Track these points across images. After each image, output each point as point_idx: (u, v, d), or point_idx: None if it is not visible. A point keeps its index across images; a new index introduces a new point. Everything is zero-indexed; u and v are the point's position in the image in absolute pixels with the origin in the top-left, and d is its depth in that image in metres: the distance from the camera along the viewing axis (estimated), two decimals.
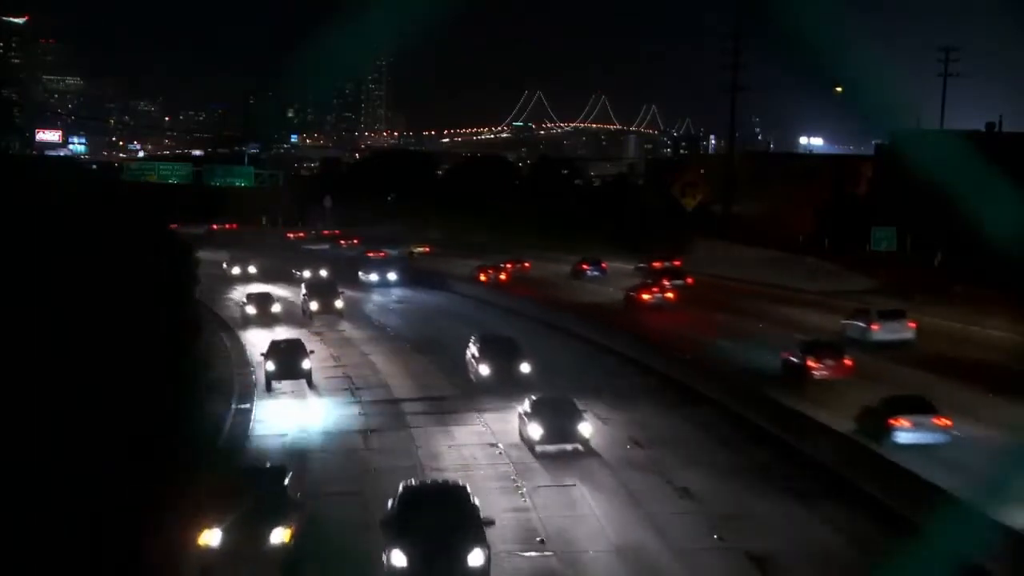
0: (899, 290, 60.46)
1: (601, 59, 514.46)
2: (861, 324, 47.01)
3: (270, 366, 41.14)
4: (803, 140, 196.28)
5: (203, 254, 68.07)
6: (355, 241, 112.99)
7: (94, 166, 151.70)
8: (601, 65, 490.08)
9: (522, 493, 27.46)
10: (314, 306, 58.46)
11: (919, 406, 30.98)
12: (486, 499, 25.06)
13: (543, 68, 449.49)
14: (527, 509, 26.25)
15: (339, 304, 58.68)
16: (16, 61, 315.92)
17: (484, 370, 39.45)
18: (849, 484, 27.08)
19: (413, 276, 77.03)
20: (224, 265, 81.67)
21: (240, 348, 50.72)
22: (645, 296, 60.58)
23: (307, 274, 73.69)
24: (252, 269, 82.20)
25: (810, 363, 39.12)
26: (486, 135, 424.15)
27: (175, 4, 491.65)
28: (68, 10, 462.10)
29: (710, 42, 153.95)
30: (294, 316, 59.46)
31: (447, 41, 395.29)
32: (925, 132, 73.06)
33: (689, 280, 68.65)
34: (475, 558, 20.59)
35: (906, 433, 30.04)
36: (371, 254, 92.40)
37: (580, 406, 32.41)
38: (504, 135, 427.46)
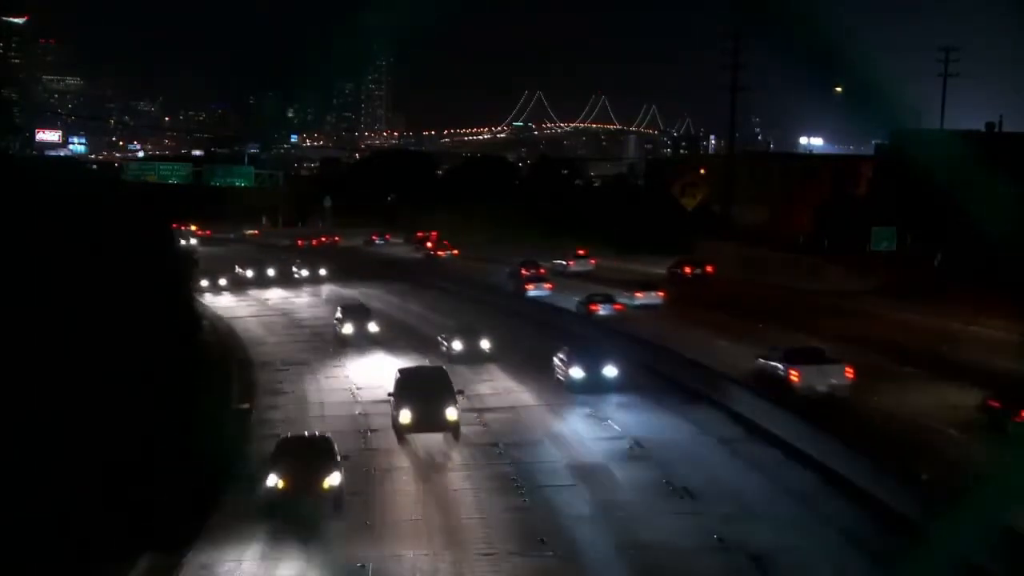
0: (899, 290, 60.52)
1: (601, 59, 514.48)
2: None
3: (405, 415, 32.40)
4: (803, 140, 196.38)
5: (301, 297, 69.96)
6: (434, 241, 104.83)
7: (94, 166, 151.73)
8: (601, 65, 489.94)
9: (522, 493, 27.47)
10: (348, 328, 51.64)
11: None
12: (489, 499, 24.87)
13: (543, 68, 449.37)
14: (527, 509, 26.25)
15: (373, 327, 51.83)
16: (16, 61, 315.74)
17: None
18: None
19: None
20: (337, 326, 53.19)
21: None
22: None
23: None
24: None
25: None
26: (486, 135, 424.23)
27: (175, 4, 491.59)
28: (68, 10, 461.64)
29: (710, 42, 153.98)
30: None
31: (447, 41, 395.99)
32: (925, 132, 72.98)
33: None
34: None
35: None
36: (527, 271, 73.15)
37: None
38: (504, 135, 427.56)
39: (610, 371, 38.95)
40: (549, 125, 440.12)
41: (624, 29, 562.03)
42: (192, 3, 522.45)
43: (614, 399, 37.64)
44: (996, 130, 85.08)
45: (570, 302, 59.96)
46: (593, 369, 38.99)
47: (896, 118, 56.45)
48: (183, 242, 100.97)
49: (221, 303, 71.90)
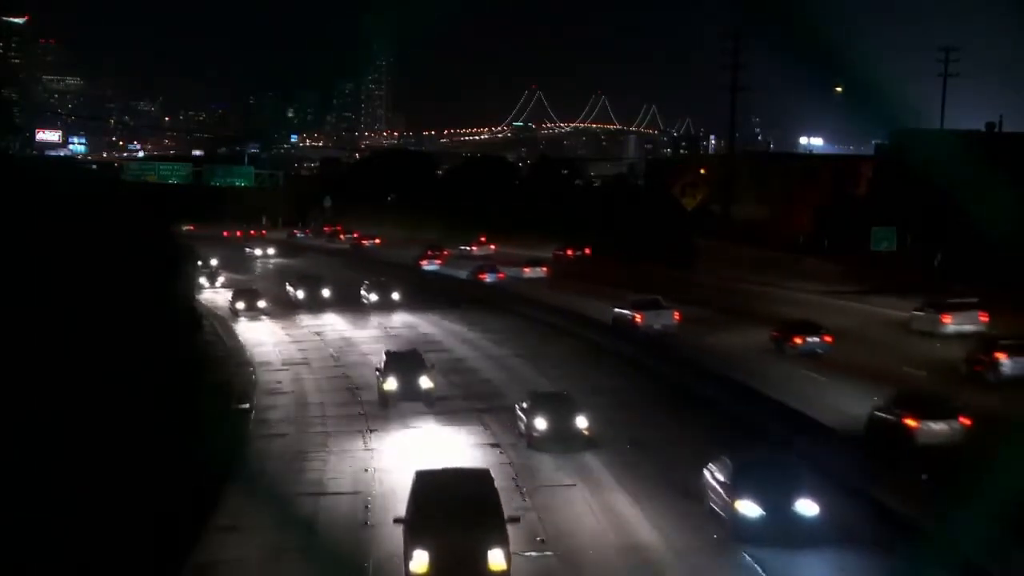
0: (899, 290, 60.50)
1: (601, 59, 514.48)
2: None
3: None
4: (803, 140, 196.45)
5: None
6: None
7: (94, 166, 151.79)
8: (601, 65, 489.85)
9: (522, 493, 27.46)
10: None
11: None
12: None
13: (543, 68, 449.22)
14: (527, 509, 26.22)
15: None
16: (16, 61, 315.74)
17: None
18: None
19: None
20: None
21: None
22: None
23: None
24: None
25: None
26: (486, 135, 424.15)
27: (175, 4, 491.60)
28: (68, 10, 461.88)
29: (710, 42, 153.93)
30: None
31: (447, 41, 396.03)
32: (925, 132, 73.00)
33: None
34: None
35: None
36: (431, 252, 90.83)
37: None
38: (504, 135, 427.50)
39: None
40: (549, 125, 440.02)
41: (624, 29, 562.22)
42: (192, 3, 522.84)
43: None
44: (996, 130, 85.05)
45: (462, 273, 78.80)
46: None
47: (896, 118, 56.50)
48: (256, 252, 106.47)
49: (257, 336, 56.74)
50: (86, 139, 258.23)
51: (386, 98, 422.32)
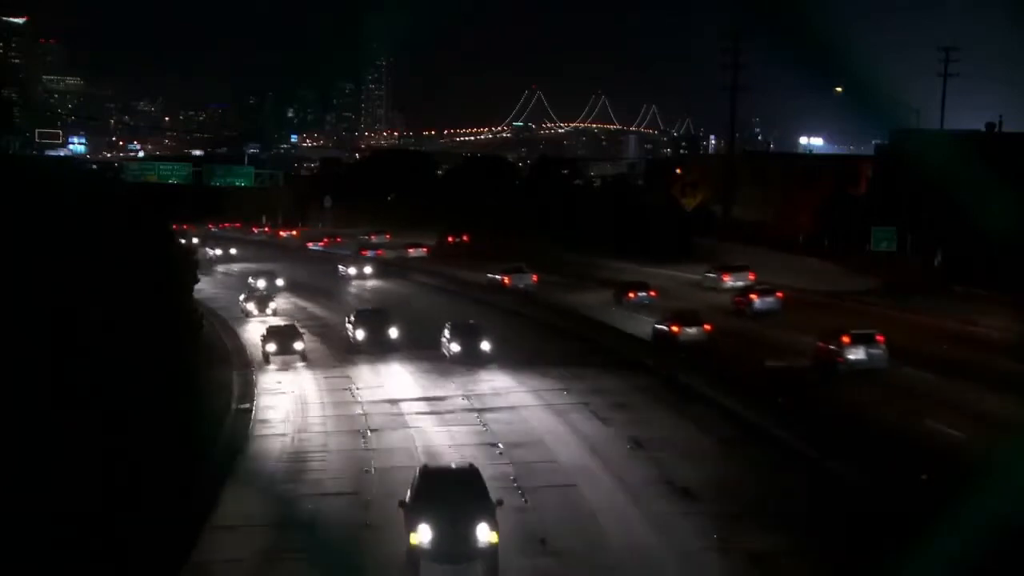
0: (899, 290, 60.52)
1: (601, 59, 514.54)
2: None
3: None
4: (803, 140, 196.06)
5: None
6: None
7: (94, 166, 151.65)
8: (601, 65, 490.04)
9: (522, 493, 27.46)
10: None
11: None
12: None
13: (543, 68, 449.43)
14: (527, 509, 26.24)
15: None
16: (16, 61, 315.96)
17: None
18: None
19: None
20: None
21: None
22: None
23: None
24: None
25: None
26: (486, 135, 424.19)
27: (175, 4, 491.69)
28: (68, 10, 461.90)
29: (710, 42, 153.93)
30: None
31: (447, 41, 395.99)
32: (925, 132, 73.05)
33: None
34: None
35: None
36: (327, 239, 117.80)
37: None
38: (504, 135, 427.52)
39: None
40: (549, 125, 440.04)
41: (624, 29, 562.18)
42: (193, 3, 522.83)
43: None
44: (996, 130, 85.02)
45: (345, 251, 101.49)
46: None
47: (896, 118, 56.55)
48: (351, 271, 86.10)
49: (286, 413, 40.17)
50: (86, 139, 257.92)
51: (386, 98, 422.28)
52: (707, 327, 47.25)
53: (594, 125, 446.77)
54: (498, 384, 42.16)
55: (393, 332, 50.07)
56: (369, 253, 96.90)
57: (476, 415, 37.02)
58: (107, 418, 24.66)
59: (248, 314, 62.76)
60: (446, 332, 47.22)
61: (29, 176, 34.83)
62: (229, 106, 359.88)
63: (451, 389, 41.57)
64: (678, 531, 24.36)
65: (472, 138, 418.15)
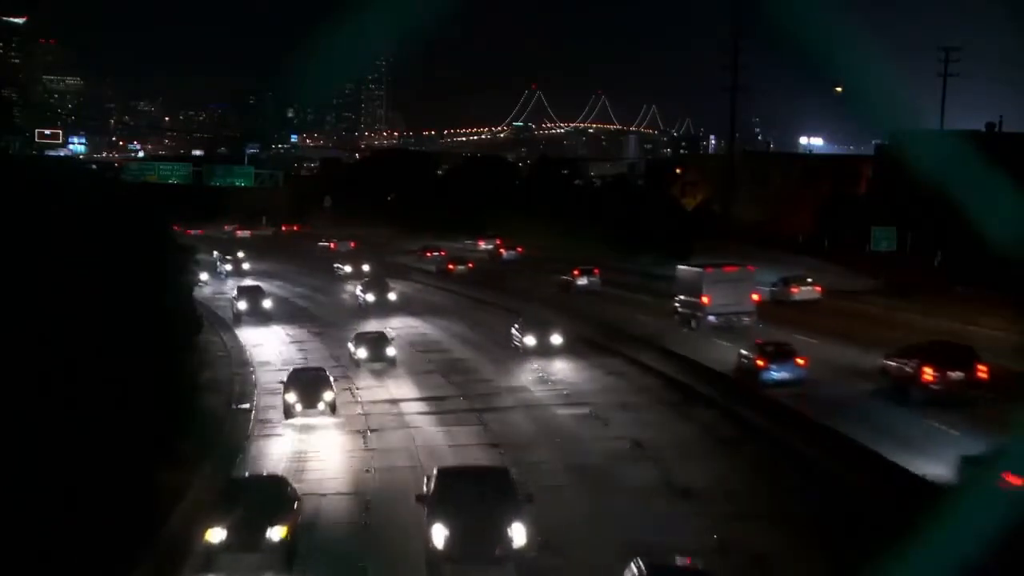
0: (899, 290, 60.53)
1: (601, 59, 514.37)
2: None
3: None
4: (803, 140, 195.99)
5: None
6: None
7: (94, 166, 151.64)
8: (601, 65, 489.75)
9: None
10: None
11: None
12: None
13: (543, 68, 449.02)
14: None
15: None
16: (16, 61, 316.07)
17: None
18: None
19: None
20: None
21: None
22: None
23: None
24: None
25: None
26: (486, 135, 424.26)
27: (175, 4, 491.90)
28: (68, 10, 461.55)
29: (710, 42, 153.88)
30: None
31: (447, 41, 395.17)
32: (925, 132, 72.93)
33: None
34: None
35: None
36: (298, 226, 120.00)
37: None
38: (504, 135, 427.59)
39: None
40: (549, 125, 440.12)
41: (624, 29, 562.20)
42: (193, 3, 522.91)
43: None
44: (996, 130, 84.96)
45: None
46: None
47: (896, 118, 56.48)
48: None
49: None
50: (86, 139, 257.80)
51: (386, 98, 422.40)
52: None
53: (594, 125, 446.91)
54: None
55: (390, 351, 46.40)
56: (340, 248, 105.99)
57: (477, 416, 37.15)
58: (105, 418, 24.65)
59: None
60: (517, 327, 49.90)
61: (29, 176, 34.82)
62: (229, 106, 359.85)
63: (452, 391, 41.56)
64: (678, 531, 24.35)
65: (472, 138, 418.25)
